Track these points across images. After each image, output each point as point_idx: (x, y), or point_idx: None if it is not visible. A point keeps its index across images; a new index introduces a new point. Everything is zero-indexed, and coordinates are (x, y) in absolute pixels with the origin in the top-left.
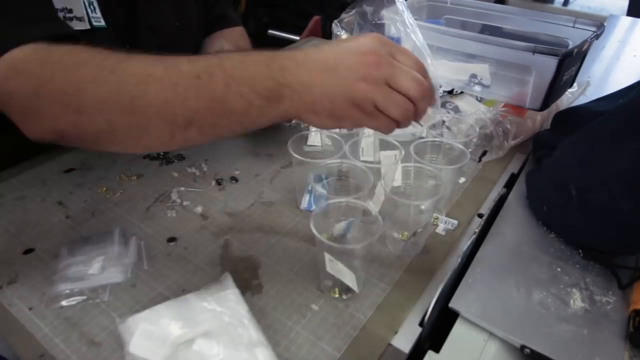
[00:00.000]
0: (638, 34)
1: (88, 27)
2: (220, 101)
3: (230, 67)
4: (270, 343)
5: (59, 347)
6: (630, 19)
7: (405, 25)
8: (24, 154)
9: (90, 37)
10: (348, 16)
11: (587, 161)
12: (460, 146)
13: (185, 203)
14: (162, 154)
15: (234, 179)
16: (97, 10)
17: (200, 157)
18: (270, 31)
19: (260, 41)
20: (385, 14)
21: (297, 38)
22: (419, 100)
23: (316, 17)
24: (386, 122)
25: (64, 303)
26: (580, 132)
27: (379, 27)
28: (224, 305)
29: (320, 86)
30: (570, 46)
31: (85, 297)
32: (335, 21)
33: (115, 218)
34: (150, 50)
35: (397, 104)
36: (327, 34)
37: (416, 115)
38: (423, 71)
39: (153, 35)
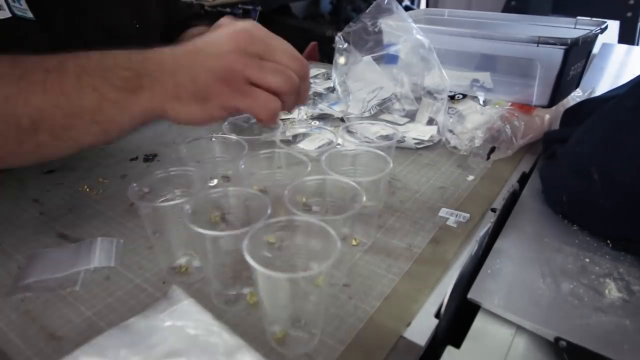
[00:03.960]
0: (635, 59)
1: (9, 15)
2: (68, 96)
3: (87, 60)
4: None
5: (13, 342)
6: (624, 46)
7: (407, 31)
8: None
9: (15, 28)
10: (350, 29)
11: (607, 140)
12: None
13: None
14: (150, 155)
15: (226, 177)
16: (22, 1)
17: (192, 159)
18: None
19: None
20: (383, 22)
21: None
22: (298, 80)
23: (313, 42)
24: (264, 97)
25: (27, 294)
26: (595, 115)
27: (379, 37)
28: (184, 318)
29: (185, 67)
30: None
31: (52, 288)
32: (338, 34)
33: (94, 214)
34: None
35: (276, 70)
36: (325, 59)
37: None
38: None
39: (108, 37)
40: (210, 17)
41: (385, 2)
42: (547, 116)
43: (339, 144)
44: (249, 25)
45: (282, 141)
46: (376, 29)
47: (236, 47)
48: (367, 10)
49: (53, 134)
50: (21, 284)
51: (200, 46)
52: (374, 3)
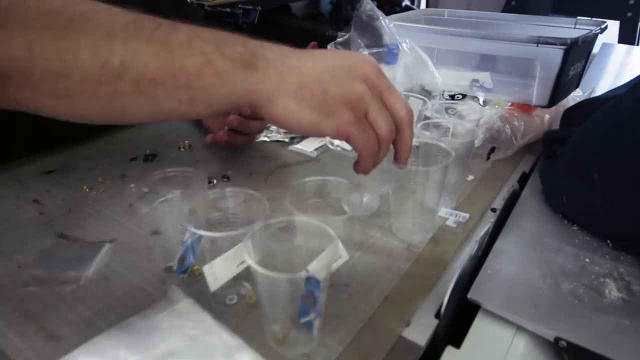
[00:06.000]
0: (635, 59)
1: None
2: (172, 51)
3: (200, 28)
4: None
5: (12, 342)
6: (624, 46)
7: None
8: (2, 155)
9: None
10: (343, 39)
11: (607, 141)
12: (443, 145)
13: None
14: (150, 155)
15: (226, 177)
16: None
17: (191, 159)
18: None
19: None
20: (376, 26)
21: None
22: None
23: (313, 43)
24: (372, 138)
25: (28, 289)
26: (595, 115)
27: (375, 38)
28: (183, 318)
29: (312, 70)
30: None
31: (51, 285)
32: (331, 43)
33: (94, 214)
34: None
35: (387, 119)
36: None
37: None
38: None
39: None
40: (210, 18)
41: (369, 7)
42: (547, 116)
43: (337, 145)
44: (372, 59)
45: (280, 142)
46: (367, 34)
47: (367, 78)
48: (353, 20)
49: (137, 85)
50: (18, 283)
51: (324, 63)
52: (356, 13)
